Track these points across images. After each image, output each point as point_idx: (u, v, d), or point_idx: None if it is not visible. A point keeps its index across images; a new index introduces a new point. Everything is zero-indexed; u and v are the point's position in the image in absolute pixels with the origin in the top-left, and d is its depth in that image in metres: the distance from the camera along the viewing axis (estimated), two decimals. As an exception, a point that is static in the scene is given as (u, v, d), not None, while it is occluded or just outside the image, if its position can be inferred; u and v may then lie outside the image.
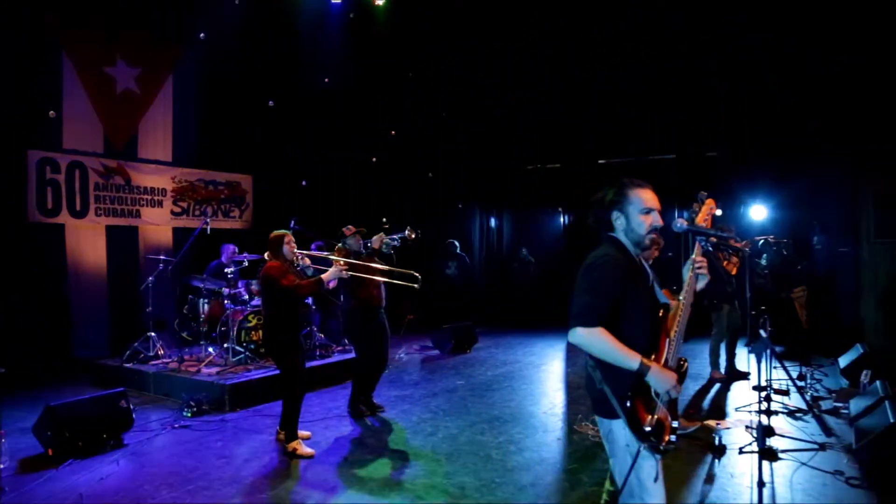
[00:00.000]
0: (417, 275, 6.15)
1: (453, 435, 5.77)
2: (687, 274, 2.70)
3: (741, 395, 6.94)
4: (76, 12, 8.39)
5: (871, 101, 8.53)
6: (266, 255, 5.44)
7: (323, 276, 5.34)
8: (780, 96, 9.57)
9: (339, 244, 6.30)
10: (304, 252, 5.70)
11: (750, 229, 10.10)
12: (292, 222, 8.21)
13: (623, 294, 2.55)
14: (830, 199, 10.15)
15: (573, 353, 9.45)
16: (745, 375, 7.63)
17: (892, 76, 8.22)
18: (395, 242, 6.42)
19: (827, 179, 10.05)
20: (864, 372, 6.53)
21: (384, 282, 6.33)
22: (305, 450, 5.25)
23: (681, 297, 2.66)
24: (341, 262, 5.59)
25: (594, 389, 2.63)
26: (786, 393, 6.71)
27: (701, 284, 2.74)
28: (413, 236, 6.45)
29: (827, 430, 5.49)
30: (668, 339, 2.60)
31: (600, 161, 12.74)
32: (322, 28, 9.86)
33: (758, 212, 10.67)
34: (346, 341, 8.40)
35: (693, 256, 2.72)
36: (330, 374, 7.78)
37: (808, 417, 5.97)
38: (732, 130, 10.68)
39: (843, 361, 7.45)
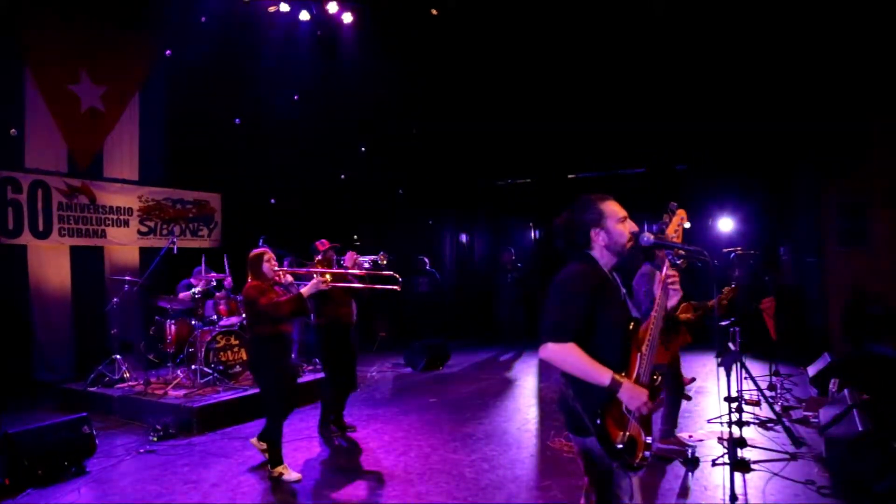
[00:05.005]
0: (398, 276, 6.07)
1: (426, 454, 5.70)
2: (657, 291, 2.69)
3: (712, 407, 6.98)
4: (41, 29, 8.24)
5: (834, 111, 8.74)
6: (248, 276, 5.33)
7: (303, 290, 5.19)
8: (744, 108, 9.76)
9: (320, 257, 6.24)
10: (287, 269, 5.59)
11: (718, 241, 10.24)
12: (261, 240, 8.10)
13: (594, 309, 2.54)
14: (796, 210, 10.36)
15: (546, 368, 9.44)
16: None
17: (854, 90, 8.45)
18: (367, 265, 6.38)
19: (792, 190, 10.26)
20: (832, 380, 6.62)
21: (354, 299, 6.29)
22: (292, 475, 5.05)
23: (652, 313, 2.65)
24: (326, 275, 5.46)
25: (567, 406, 2.61)
26: (757, 403, 6.77)
27: (673, 301, 2.73)
28: (385, 262, 6.43)
29: (796, 440, 5.52)
30: (639, 354, 2.59)
31: (570, 175, 12.85)
32: (290, 46, 9.83)
33: (725, 224, 10.83)
34: (317, 360, 8.31)
35: (664, 271, 2.71)
36: (300, 393, 7.63)
37: (779, 427, 6.01)
38: (699, 143, 10.85)
39: (812, 370, 7.54)
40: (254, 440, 5.58)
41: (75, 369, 8.18)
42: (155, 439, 6.18)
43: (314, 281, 5.23)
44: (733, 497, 2.94)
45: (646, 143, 11.30)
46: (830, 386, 6.56)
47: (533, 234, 14.18)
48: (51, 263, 8.51)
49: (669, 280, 2.69)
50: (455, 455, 5.62)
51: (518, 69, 10.78)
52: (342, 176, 12.47)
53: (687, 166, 11.71)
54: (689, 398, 7.21)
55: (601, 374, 2.46)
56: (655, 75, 10.12)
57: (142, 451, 5.90)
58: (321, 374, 7.15)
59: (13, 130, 8.03)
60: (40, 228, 8.36)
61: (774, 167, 10.49)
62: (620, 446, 2.46)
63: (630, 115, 10.68)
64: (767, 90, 9.45)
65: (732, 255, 7.68)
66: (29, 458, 5.00)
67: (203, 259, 8.16)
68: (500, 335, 12.50)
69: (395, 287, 5.93)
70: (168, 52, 9.36)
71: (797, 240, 10.45)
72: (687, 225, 3.17)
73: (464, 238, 14.85)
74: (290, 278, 5.43)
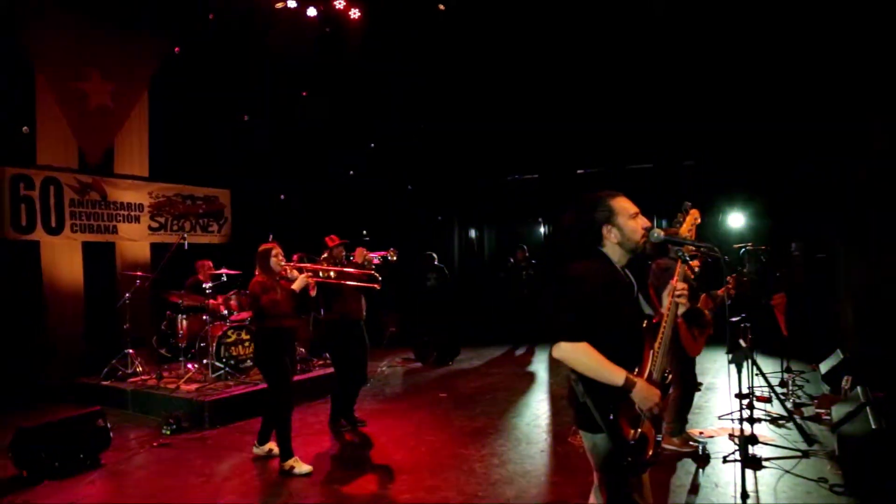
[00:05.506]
0: (377, 275, 6.31)
1: (436, 448, 5.72)
2: (667, 300, 2.67)
3: (723, 404, 6.96)
4: (49, 28, 8.28)
5: (842, 106, 8.65)
6: (256, 270, 5.38)
7: (293, 286, 5.30)
8: (753, 102, 9.69)
9: (327, 254, 6.32)
10: (293, 264, 5.65)
11: (728, 237, 10.21)
12: (270, 236, 8.14)
13: (606, 307, 2.52)
14: (807, 205, 10.27)
15: (555, 363, 9.42)
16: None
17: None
18: (377, 261, 6.43)
19: (802, 185, 10.18)
20: (845, 378, 6.57)
21: (363, 294, 6.34)
22: (303, 468, 5.09)
23: (663, 311, 2.65)
24: (326, 271, 5.60)
25: (577, 402, 2.60)
26: (768, 400, 6.74)
27: (681, 311, 2.72)
28: (395, 258, 6.49)
29: (808, 438, 5.46)
30: (652, 351, 2.58)
31: (578, 171, 12.81)
32: (297, 42, 9.82)
33: (735, 219, 10.77)
34: (327, 355, 8.35)
35: (672, 282, 2.69)
36: (311, 388, 7.70)
37: (791, 424, 5.98)
38: (708, 138, 10.78)
39: (824, 367, 7.49)
40: (255, 448, 5.59)
41: (89, 363, 8.23)
42: (168, 433, 6.23)
43: (302, 276, 5.38)
44: (744, 495, 2.93)
45: (654, 139, 11.24)
46: (843, 383, 6.51)
47: (542, 230, 14.15)
48: (63, 259, 8.57)
49: (678, 293, 2.67)
50: (465, 450, 5.64)
51: (525, 65, 10.75)
52: (351, 172, 12.49)
53: (695, 161, 11.64)
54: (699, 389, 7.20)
55: (615, 375, 2.45)
56: (663, 71, 10.07)
57: (155, 444, 5.96)
58: (331, 369, 7.18)
59: (25, 128, 8.08)
60: (53, 224, 8.41)
61: (783, 162, 10.41)
62: (632, 443, 2.46)
63: (638, 111, 10.63)
64: (777, 84, 9.38)
65: (742, 250, 7.66)
66: (45, 451, 5.08)
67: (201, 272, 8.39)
68: (510, 331, 12.48)
69: (374, 286, 6.24)
70: (176, 49, 9.38)
71: (808, 235, 10.37)
72: (697, 221, 3.16)
73: (473, 234, 14.85)
74: (296, 273, 5.47)
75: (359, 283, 6.23)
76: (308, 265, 6.06)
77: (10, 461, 5.07)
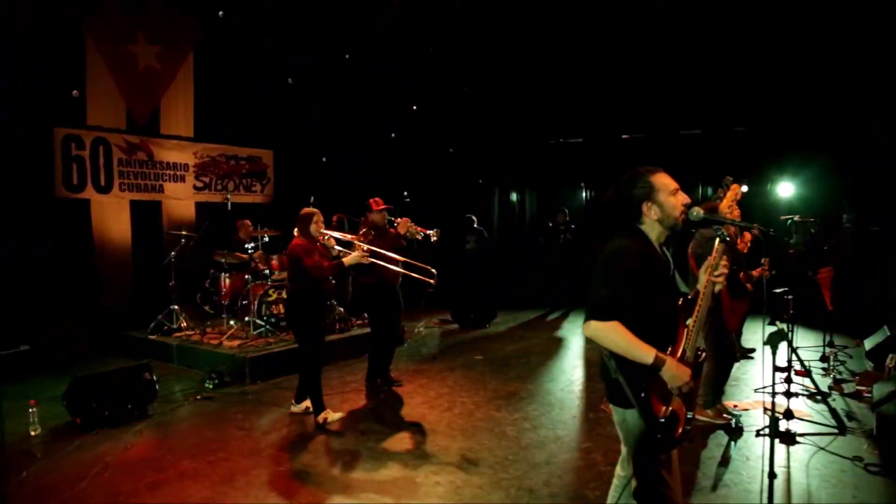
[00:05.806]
0: (434, 271, 6.23)
1: (469, 410, 5.81)
2: (703, 277, 2.63)
3: (760, 376, 6.86)
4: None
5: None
6: (294, 231, 5.52)
7: (344, 259, 5.46)
8: (807, 67, 9.30)
9: (365, 229, 6.33)
10: (330, 233, 5.74)
11: (776, 208, 9.91)
12: (312, 199, 8.24)
13: (641, 285, 2.49)
14: (861, 174, 9.88)
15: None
16: (750, 352, 7.64)
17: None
18: (419, 236, 6.43)
19: (855, 154, 9.78)
20: (890, 356, 6.40)
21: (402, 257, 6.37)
22: (335, 416, 5.44)
23: (699, 288, 2.61)
24: (364, 248, 5.65)
25: (609, 378, 2.60)
26: (807, 374, 6.61)
27: (717, 289, 2.68)
28: (436, 238, 6.48)
29: (840, 422, 5.22)
30: (686, 330, 2.56)
31: (623, 136, 12.54)
32: (342, 3, 9.74)
33: (785, 189, 10.43)
34: (365, 315, 8.49)
35: (710, 259, 2.63)
36: (348, 347, 7.87)
37: (829, 399, 5.87)
38: (759, 103, 10.40)
39: (869, 343, 7.31)
40: (293, 407, 5.78)
41: (136, 318, 8.55)
42: (211, 387, 6.48)
43: (357, 253, 5.53)
44: (772, 474, 2.89)
45: (702, 103, 10.89)
46: (888, 361, 6.34)
47: (584, 195, 13.98)
48: (112, 217, 8.84)
49: (717, 274, 2.62)
50: (498, 413, 5.72)
51: (570, 26, 10.50)
52: (392, 135, 12.47)
53: (745, 127, 11.26)
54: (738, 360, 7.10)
55: (644, 353, 2.43)
56: (711, 33, 9.71)
57: (199, 397, 6.22)
58: (368, 329, 7.32)
59: (75, 92, 8.28)
60: (102, 183, 8.66)
61: (838, 129, 9.98)
62: (663, 420, 2.46)
63: (686, 75, 10.31)
64: (830, 46, 8.98)
65: (790, 221, 7.45)
66: (97, 401, 5.35)
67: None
68: (548, 295, 12.45)
69: (429, 281, 6.15)
70: (221, 12, 9.40)
71: (861, 206, 9.99)
72: (744, 189, 3.07)
73: (514, 197, 14.76)
74: (333, 241, 5.59)
75: (408, 273, 6.24)
76: (346, 236, 6.12)
77: (66, 409, 5.35)
